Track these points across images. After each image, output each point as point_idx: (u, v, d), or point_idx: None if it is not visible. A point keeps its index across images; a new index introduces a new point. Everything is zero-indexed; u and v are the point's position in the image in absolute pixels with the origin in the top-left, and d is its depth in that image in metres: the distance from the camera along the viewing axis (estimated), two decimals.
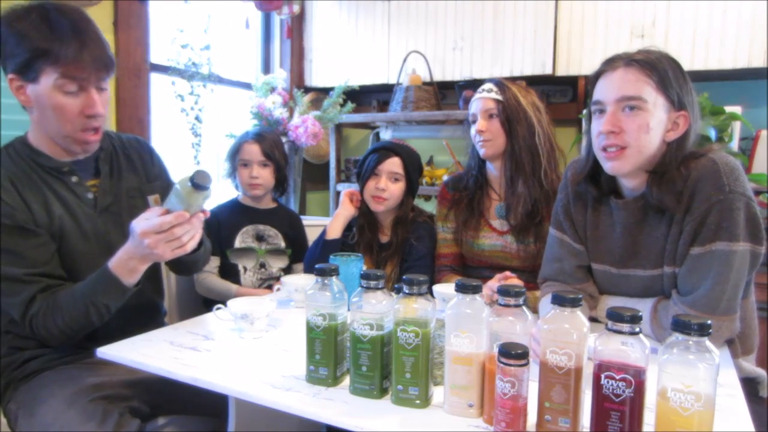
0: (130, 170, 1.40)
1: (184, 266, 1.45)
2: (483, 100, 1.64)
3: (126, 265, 1.16)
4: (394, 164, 1.71)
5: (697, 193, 1.12)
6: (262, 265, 1.93)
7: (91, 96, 1.20)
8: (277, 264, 1.96)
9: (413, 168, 1.74)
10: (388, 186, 1.70)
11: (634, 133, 1.13)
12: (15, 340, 1.29)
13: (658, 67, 1.13)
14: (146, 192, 1.41)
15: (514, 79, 2.55)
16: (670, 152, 1.16)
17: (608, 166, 1.19)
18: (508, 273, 1.43)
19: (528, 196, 1.59)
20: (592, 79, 1.22)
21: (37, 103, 1.18)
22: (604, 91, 1.17)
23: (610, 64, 1.18)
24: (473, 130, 1.67)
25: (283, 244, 1.97)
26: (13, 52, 1.15)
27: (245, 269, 1.91)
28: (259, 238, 1.94)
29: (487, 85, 1.66)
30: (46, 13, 1.15)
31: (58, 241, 1.23)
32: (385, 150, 1.73)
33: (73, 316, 1.16)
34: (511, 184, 1.63)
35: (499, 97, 1.61)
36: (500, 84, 1.64)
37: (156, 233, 1.10)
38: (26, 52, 1.13)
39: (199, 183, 1.09)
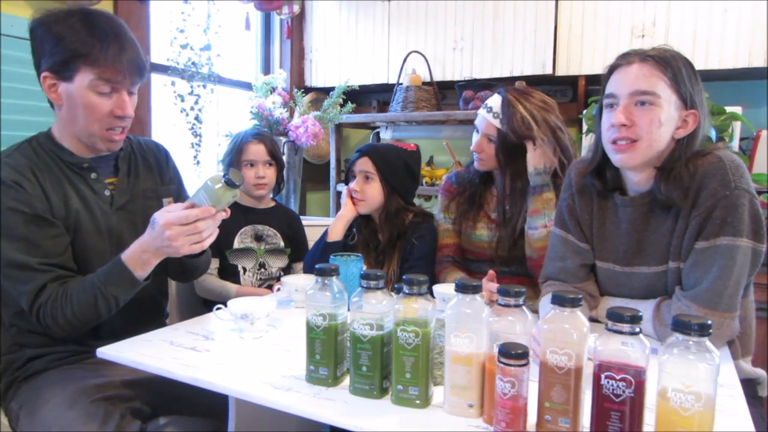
0: (146, 172, 1.43)
1: (186, 272, 1.45)
2: (485, 121, 1.60)
3: (139, 257, 1.18)
4: (363, 164, 1.72)
5: (704, 188, 1.13)
6: (262, 265, 1.93)
7: (122, 98, 1.24)
8: (276, 264, 1.96)
9: (388, 167, 1.72)
10: (362, 187, 1.71)
11: (646, 126, 1.14)
12: (18, 336, 1.29)
13: (672, 65, 1.14)
14: (161, 194, 1.44)
15: (514, 80, 2.56)
16: (678, 149, 1.17)
17: (617, 159, 1.19)
18: (492, 272, 1.43)
19: (515, 229, 1.60)
20: (606, 73, 1.23)
21: (69, 101, 1.21)
22: (618, 85, 1.17)
23: (626, 58, 1.19)
24: (473, 138, 1.67)
25: (282, 244, 1.97)
26: (51, 51, 1.18)
27: (245, 270, 1.91)
28: (258, 238, 1.94)
29: (495, 103, 1.58)
30: (87, 17, 1.20)
31: (72, 235, 1.26)
32: (359, 152, 1.76)
33: (81, 305, 1.17)
34: (505, 203, 1.64)
35: (501, 128, 1.56)
36: (508, 105, 1.55)
37: (179, 225, 1.13)
38: (65, 52, 1.17)
39: (232, 180, 1.15)
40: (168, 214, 1.15)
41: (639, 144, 1.15)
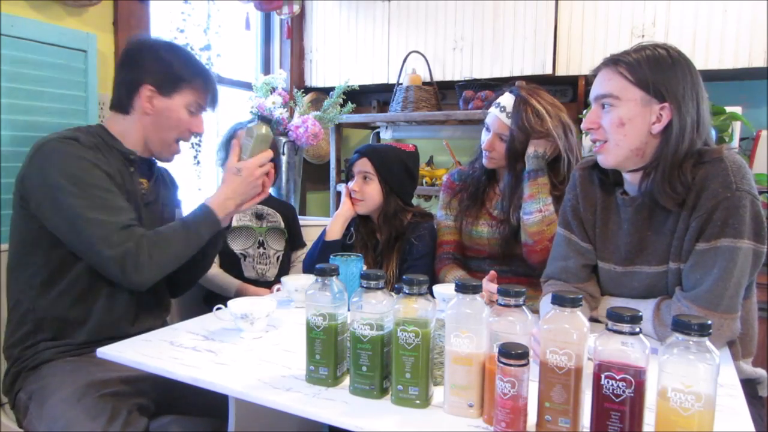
0: (164, 187, 1.59)
1: (198, 265, 1.51)
2: (497, 120, 1.60)
3: (224, 203, 1.38)
4: (362, 164, 1.74)
5: (705, 190, 1.14)
6: (261, 244, 1.94)
7: (200, 119, 1.47)
8: (275, 245, 1.98)
9: (386, 168, 1.73)
10: (361, 187, 1.72)
11: (609, 127, 1.20)
12: (27, 324, 1.31)
13: (633, 63, 1.17)
14: (173, 203, 1.60)
15: (514, 80, 2.56)
16: (661, 144, 1.18)
17: (598, 160, 1.27)
18: (494, 273, 1.44)
19: (515, 222, 1.60)
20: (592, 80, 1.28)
21: (160, 113, 1.40)
22: (591, 91, 1.26)
23: (599, 65, 1.25)
24: (483, 135, 1.67)
25: (282, 224, 2.00)
26: (160, 71, 1.38)
27: (245, 257, 1.92)
28: (259, 216, 1.97)
29: (508, 101, 1.60)
30: (189, 53, 1.49)
31: None
32: (358, 152, 1.78)
33: (175, 241, 1.31)
34: (510, 200, 1.63)
35: (512, 126, 1.57)
36: (521, 103, 1.57)
37: (259, 167, 1.40)
38: (173, 75, 1.39)
39: (263, 115, 1.37)
40: (247, 161, 1.39)
41: (608, 145, 1.22)
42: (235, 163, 1.39)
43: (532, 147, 1.57)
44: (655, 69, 1.16)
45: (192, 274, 1.56)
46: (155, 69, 1.38)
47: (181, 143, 1.48)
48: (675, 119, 1.16)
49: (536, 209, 1.55)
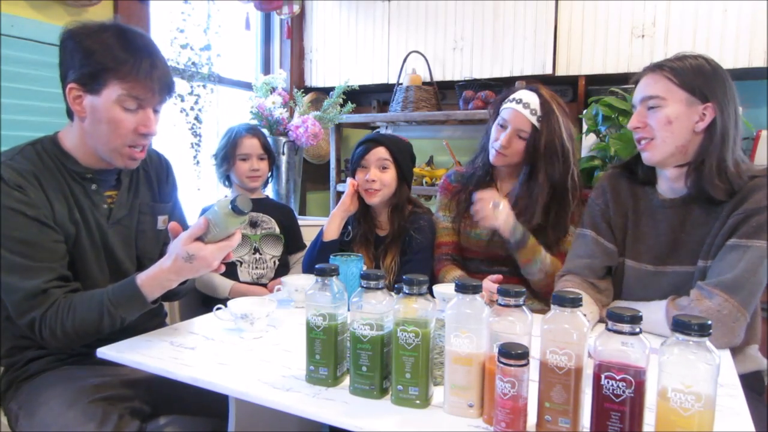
0: (146, 186, 1.41)
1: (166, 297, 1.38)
2: (520, 116, 1.57)
3: (160, 283, 1.14)
4: (379, 153, 1.71)
5: (750, 196, 1.22)
6: (257, 251, 1.94)
7: (148, 115, 1.23)
8: (271, 251, 1.97)
9: (402, 155, 1.73)
10: (378, 176, 1.69)
11: (656, 125, 1.28)
12: (19, 337, 1.28)
13: (677, 68, 1.27)
14: (157, 212, 1.42)
15: (514, 80, 2.57)
16: (704, 141, 1.26)
17: (643, 157, 1.34)
18: (500, 276, 1.44)
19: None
20: (634, 85, 1.38)
21: (93, 114, 1.19)
22: (635, 94, 1.35)
23: (643, 71, 1.35)
24: (495, 131, 1.63)
25: (277, 230, 1.99)
26: (81, 63, 1.16)
27: (241, 263, 1.92)
28: (253, 224, 1.97)
29: (532, 98, 1.58)
30: (121, 32, 1.19)
31: (69, 244, 1.22)
32: (370, 141, 1.74)
33: (85, 320, 1.14)
34: (517, 214, 1.60)
35: (537, 125, 1.56)
36: (545, 105, 1.57)
37: (219, 253, 1.12)
38: (95, 66, 1.16)
39: (239, 207, 1.07)
40: (204, 249, 1.10)
41: (655, 142, 1.29)
42: (190, 247, 1.09)
43: (501, 229, 1.53)
44: (698, 73, 1.26)
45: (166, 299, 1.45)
46: (77, 61, 1.16)
47: (141, 148, 1.26)
48: (718, 117, 1.24)
49: (537, 269, 1.55)
